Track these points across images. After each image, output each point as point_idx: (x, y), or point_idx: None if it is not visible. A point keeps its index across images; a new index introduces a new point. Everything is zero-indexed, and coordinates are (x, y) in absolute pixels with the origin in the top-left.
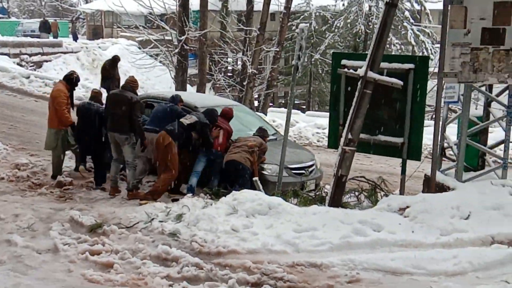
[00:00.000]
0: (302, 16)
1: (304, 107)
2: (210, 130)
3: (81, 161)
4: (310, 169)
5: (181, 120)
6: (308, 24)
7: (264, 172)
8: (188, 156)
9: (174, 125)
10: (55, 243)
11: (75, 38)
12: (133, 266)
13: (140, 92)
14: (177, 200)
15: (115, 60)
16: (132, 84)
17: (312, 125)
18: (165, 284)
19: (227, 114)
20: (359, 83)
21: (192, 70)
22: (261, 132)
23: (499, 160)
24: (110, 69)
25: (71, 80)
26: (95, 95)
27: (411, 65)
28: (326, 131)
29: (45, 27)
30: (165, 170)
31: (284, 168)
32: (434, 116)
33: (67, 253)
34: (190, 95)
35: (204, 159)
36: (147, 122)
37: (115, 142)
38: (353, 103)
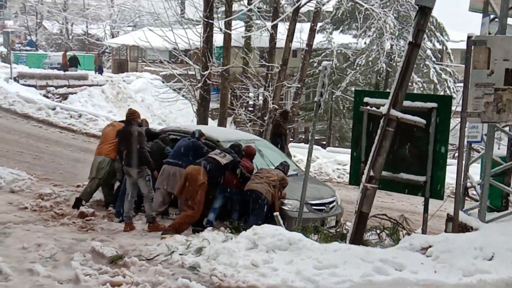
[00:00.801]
0: (323, 53)
1: (324, 143)
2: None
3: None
4: (331, 205)
5: (217, 158)
6: (330, 62)
7: (285, 208)
8: (212, 192)
9: (209, 162)
10: (76, 273)
11: (101, 72)
12: None
13: (162, 125)
14: (198, 231)
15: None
16: (131, 116)
17: (332, 161)
18: None
19: (249, 152)
20: (381, 120)
21: (214, 104)
22: (283, 167)
23: None
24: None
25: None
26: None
27: (434, 104)
28: (347, 167)
29: (73, 62)
30: (189, 207)
31: (305, 203)
32: (457, 155)
33: (88, 283)
34: (211, 129)
35: (221, 195)
36: (170, 155)
37: (130, 177)
38: (375, 141)
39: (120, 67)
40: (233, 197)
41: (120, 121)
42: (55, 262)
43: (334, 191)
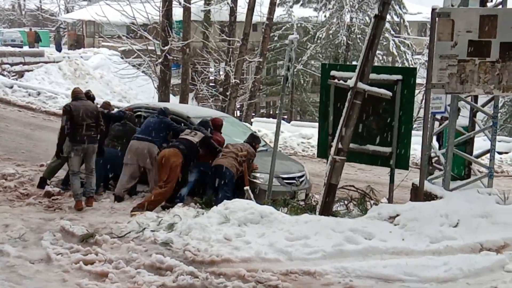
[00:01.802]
0: (284, 27)
1: (286, 117)
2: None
3: None
4: (301, 179)
5: (189, 138)
6: (297, 36)
7: (257, 181)
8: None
9: (183, 143)
10: (47, 253)
11: (59, 49)
12: (127, 275)
13: (123, 102)
14: (168, 208)
15: None
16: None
17: (297, 134)
18: None
19: (217, 124)
20: (349, 93)
21: (175, 80)
22: (252, 139)
23: (484, 169)
24: None
25: (91, 98)
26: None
27: (399, 76)
28: (311, 140)
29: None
30: (162, 185)
31: (276, 177)
32: (421, 126)
33: (61, 262)
34: (181, 106)
35: (196, 170)
36: (138, 131)
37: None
38: (343, 114)
39: (77, 43)
40: (208, 172)
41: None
42: (24, 242)
43: (303, 166)
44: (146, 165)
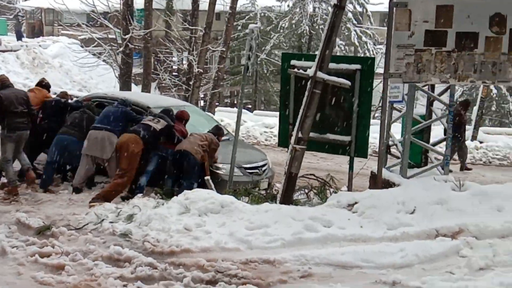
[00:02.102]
0: (247, 16)
1: (250, 106)
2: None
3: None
4: (263, 169)
5: (152, 125)
6: (258, 25)
7: (219, 172)
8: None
9: (144, 129)
10: (2, 245)
11: (20, 37)
12: (85, 267)
13: (83, 91)
14: (128, 198)
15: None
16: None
17: (260, 124)
18: (119, 284)
19: (182, 117)
20: (308, 83)
21: (136, 69)
22: (216, 130)
23: (440, 157)
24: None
25: (46, 86)
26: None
27: (358, 66)
28: (274, 130)
29: None
30: (121, 175)
31: (239, 167)
32: (379, 115)
33: (16, 255)
34: (141, 95)
35: (156, 157)
36: (97, 121)
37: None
38: (303, 103)
39: (35, 31)
40: (168, 158)
41: (37, 87)
42: None
43: (265, 155)
44: (105, 155)
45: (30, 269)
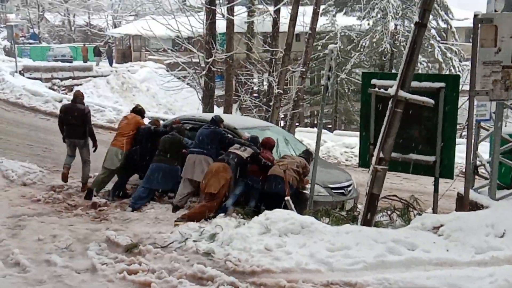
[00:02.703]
0: (327, 36)
1: (330, 126)
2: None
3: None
4: (349, 189)
5: (239, 153)
6: (337, 45)
7: (306, 192)
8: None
9: (232, 158)
10: (93, 263)
11: (111, 62)
12: (170, 285)
13: (168, 114)
14: (210, 218)
15: None
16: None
17: (340, 144)
18: None
19: (268, 144)
20: (390, 102)
21: (218, 92)
22: (307, 155)
23: None
24: None
25: (140, 111)
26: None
27: (442, 84)
28: (354, 150)
29: (96, 52)
30: (209, 200)
31: (325, 187)
32: (465, 134)
33: (105, 272)
34: (227, 116)
35: (243, 183)
36: (193, 144)
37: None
38: (384, 122)
39: (124, 57)
40: (254, 185)
41: (132, 111)
42: (71, 253)
43: (350, 175)
44: (200, 178)
45: (118, 285)
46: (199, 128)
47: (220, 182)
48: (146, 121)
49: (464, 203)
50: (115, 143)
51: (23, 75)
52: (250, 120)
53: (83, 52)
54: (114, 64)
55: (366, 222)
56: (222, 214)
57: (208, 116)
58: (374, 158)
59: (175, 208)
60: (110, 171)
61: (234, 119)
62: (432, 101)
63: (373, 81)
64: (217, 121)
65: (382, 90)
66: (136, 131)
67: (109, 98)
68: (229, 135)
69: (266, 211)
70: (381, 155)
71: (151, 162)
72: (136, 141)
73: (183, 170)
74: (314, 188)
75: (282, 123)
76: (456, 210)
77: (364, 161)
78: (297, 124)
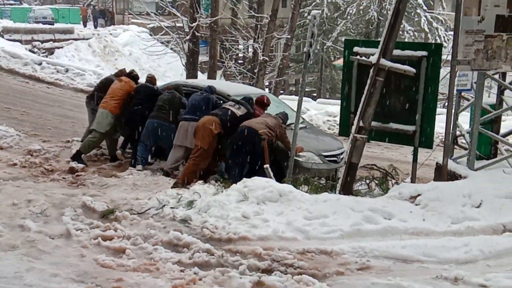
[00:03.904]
0: (314, 3)
1: (315, 94)
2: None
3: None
4: (341, 156)
5: (233, 110)
6: (320, 11)
7: (299, 159)
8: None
9: (226, 114)
10: (67, 228)
11: (96, 25)
12: (145, 251)
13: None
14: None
15: None
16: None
17: (323, 112)
18: (177, 269)
19: (263, 102)
20: (371, 70)
21: (203, 57)
22: (284, 117)
23: (511, 149)
24: None
25: (134, 77)
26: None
27: (424, 53)
28: (337, 118)
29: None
30: (198, 154)
31: (319, 155)
32: (446, 104)
33: (80, 238)
34: (220, 83)
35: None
36: (185, 111)
37: None
38: (365, 91)
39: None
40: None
41: (127, 76)
42: (46, 218)
43: (342, 143)
44: (193, 146)
45: (93, 251)
46: (191, 94)
47: (208, 136)
48: None
49: (442, 173)
50: (105, 106)
51: (3, 37)
52: (245, 87)
53: (82, 13)
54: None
55: (345, 191)
56: (200, 181)
57: (202, 82)
58: (353, 127)
59: (165, 174)
60: (100, 134)
61: (228, 86)
62: (414, 70)
63: (355, 48)
64: (213, 90)
65: (364, 58)
66: (135, 91)
67: (91, 61)
68: (222, 102)
69: (244, 179)
70: (361, 124)
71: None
72: (134, 101)
73: (175, 136)
74: (307, 156)
75: (266, 90)
76: (435, 180)
77: (344, 130)
78: (281, 92)
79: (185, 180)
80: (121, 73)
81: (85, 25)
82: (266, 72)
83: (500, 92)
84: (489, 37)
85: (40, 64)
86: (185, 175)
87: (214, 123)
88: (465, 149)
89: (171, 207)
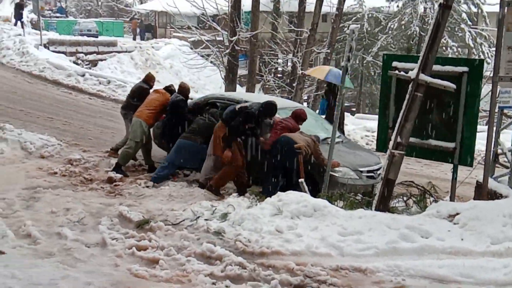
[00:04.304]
0: (354, 18)
1: (354, 109)
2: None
3: None
4: (378, 172)
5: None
6: (358, 26)
7: (335, 174)
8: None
9: (228, 111)
10: (103, 237)
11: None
12: (177, 262)
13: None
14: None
15: None
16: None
17: (361, 127)
18: (208, 281)
19: (300, 116)
20: (410, 85)
21: (242, 71)
22: (315, 138)
23: None
24: None
25: (171, 91)
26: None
27: (465, 68)
28: (375, 134)
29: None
30: (223, 164)
31: (355, 170)
32: (487, 121)
33: (115, 247)
34: (258, 97)
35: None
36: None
37: None
38: (403, 106)
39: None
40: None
41: (165, 89)
42: (83, 226)
43: (379, 158)
44: None
45: (127, 261)
46: (226, 107)
47: (215, 141)
48: None
49: (482, 192)
50: (139, 115)
51: (48, 49)
52: (282, 100)
53: (133, 26)
54: (138, 40)
55: (381, 208)
56: (235, 194)
57: (238, 96)
58: (391, 143)
59: (201, 186)
60: (135, 143)
61: (265, 99)
62: (454, 86)
63: (394, 63)
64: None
65: (402, 73)
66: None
67: (133, 74)
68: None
69: (279, 193)
70: (399, 139)
71: (179, 138)
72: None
73: (209, 146)
74: (343, 171)
75: (305, 104)
76: (474, 198)
77: (382, 145)
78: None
79: (217, 185)
80: (149, 78)
81: (134, 38)
82: (305, 86)
83: None
84: None
85: (83, 75)
86: (217, 180)
87: (218, 126)
88: (507, 167)
89: (205, 219)
